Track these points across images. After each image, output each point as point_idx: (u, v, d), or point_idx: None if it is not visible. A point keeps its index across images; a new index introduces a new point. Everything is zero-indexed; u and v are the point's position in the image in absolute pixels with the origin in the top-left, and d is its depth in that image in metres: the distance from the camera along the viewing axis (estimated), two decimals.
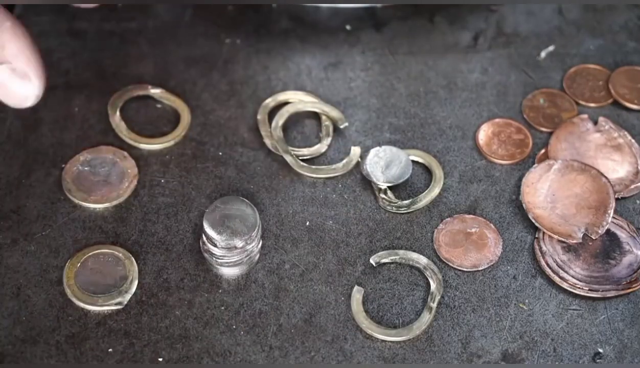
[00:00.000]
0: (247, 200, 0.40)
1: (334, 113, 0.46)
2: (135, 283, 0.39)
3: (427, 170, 0.44)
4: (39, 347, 0.37)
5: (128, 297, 0.39)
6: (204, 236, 0.39)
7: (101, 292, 0.39)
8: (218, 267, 0.40)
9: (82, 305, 0.38)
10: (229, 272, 0.40)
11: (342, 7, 0.51)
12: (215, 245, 0.39)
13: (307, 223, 0.42)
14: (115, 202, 0.42)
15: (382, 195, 0.43)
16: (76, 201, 0.42)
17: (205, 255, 0.40)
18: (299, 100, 0.47)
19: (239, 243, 0.39)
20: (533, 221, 0.41)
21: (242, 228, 0.39)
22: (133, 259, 0.40)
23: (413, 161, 0.44)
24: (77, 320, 0.38)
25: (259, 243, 0.40)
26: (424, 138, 0.46)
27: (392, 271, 0.40)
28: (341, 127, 0.45)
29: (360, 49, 0.50)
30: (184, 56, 0.49)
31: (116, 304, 0.38)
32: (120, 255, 0.40)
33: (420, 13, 0.52)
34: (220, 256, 0.39)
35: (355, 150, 0.44)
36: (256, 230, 0.39)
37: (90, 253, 0.40)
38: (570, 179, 0.43)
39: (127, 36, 0.50)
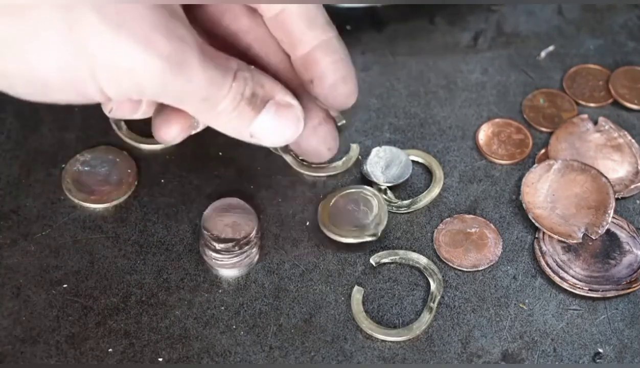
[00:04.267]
0: (245, 203, 0.40)
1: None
2: (386, 216, 0.41)
3: (427, 170, 0.44)
4: (39, 347, 0.37)
5: (381, 228, 0.40)
6: (202, 237, 0.39)
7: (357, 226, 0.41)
8: (217, 268, 0.40)
9: (338, 238, 0.40)
10: (228, 273, 0.40)
11: (342, 7, 0.51)
12: (214, 247, 0.39)
13: (307, 223, 0.42)
14: (115, 202, 0.42)
15: (383, 195, 0.43)
16: (76, 201, 0.42)
17: (205, 256, 0.40)
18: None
19: (237, 244, 0.39)
20: (533, 221, 0.41)
21: (240, 230, 0.39)
22: (380, 197, 0.42)
23: (413, 161, 0.44)
24: (77, 320, 0.38)
25: (258, 244, 0.40)
26: (424, 138, 0.46)
27: (392, 271, 0.40)
28: (339, 124, 0.45)
29: (360, 49, 0.50)
30: None
31: (371, 236, 0.40)
32: (369, 194, 0.42)
33: (421, 13, 0.52)
34: (220, 258, 0.39)
35: (355, 148, 0.44)
36: (255, 231, 0.39)
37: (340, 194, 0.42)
38: (570, 179, 0.43)
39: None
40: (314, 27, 0.36)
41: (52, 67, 0.29)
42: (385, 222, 0.41)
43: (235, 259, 0.39)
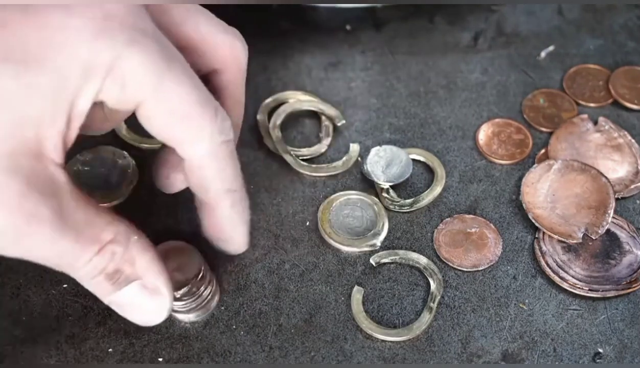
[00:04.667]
0: (180, 241, 0.38)
1: (331, 111, 0.46)
2: (387, 225, 0.41)
3: (427, 170, 0.44)
4: (39, 347, 0.37)
5: (381, 238, 0.41)
6: None
7: (355, 235, 0.41)
8: (184, 314, 0.38)
9: (338, 246, 0.41)
10: (188, 318, 0.38)
11: (342, 7, 0.51)
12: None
13: (307, 223, 0.42)
14: (115, 202, 0.42)
15: (385, 194, 0.43)
16: None
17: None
18: (296, 100, 0.47)
19: (194, 285, 0.37)
20: (533, 221, 0.41)
21: (190, 269, 0.37)
22: (380, 204, 0.42)
23: (414, 160, 0.44)
24: (77, 320, 0.38)
25: (213, 279, 0.38)
26: (424, 138, 0.46)
27: (392, 271, 0.40)
28: (338, 124, 0.45)
29: (360, 49, 0.50)
30: None
31: (371, 246, 0.40)
32: (369, 200, 0.42)
33: (420, 13, 0.52)
34: (182, 304, 0.37)
35: (355, 147, 0.44)
36: (203, 266, 0.37)
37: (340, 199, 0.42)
38: (570, 179, 0.43)
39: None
40: (222, 184, 0.35)
41: None
42: (385, 232, 0.41)
43: (199, 299, 0.37)
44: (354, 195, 0.42)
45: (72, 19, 0.28)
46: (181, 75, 0.31)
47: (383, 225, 0.41)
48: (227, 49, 0.35)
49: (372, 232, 0.41)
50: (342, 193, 0.43)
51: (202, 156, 0.33)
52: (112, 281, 0.32)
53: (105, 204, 0.42)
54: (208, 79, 0.36)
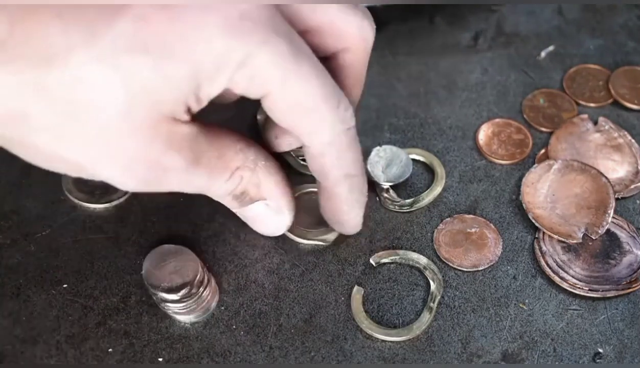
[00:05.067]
0: (176, 245, 0.38)
1: None
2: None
3: (427, 169, 0.44)
4: (39, 347, 0.37)
5: (334, 235, 0.41)
6: (155, 296, 0.37)
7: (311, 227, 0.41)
8: (185, 316, 0.38)
9: (293, 237, 0.41)
10: (188, 319, 0.38)
11: None
12: (171, 299, 0.37)
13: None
14: (115, 202, 0.42)
15: (385, 194, 0.43)
16: (76, 201, 0.42)
17: (168, 311, 0.38)
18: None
19: (192, 286, 0.37)
20: (533, 221, 0.41)
21: (187, 272, 0.37)
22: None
23: (414, 160, 0.44)
24: (77, 320, 0.38)
25: (211, 281, 0.38)
26: (424, 138, 0.46)
27: (392, 271, 0.40)
28: None
29: None
30: None
31: (323, 240, 0.40)
32: None
33: (420, 13, 0.52)
34: (182, 306, 0.37)
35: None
36: (200, 267, 0.37)
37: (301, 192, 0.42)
38: (570, 179, 0.43)
39: None
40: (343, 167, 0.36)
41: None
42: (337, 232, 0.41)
43: (199, 301, 0.37)
44: (313, 188, 0.42)
45: (209, 17, 0.30)
46: (308, 71, 0.32)
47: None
48: (356, 29, 0.36)
49: (327, 226, 0.41)
50: (308, 185, 0.43)
51: (323, 145, 0.35)
52: (239, 201, 0.36)
53: (105, 204, 0.42)
54: (332, 58, 0.37)
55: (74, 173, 0.32)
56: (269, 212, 0.37)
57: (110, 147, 0.30)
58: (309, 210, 0.42)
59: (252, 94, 0.32)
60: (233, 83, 0.31)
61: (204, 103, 0.32)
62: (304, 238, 0.41)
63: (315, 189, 0.42)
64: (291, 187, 0.38)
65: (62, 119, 0.29)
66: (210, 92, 0.31)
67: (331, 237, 0.41)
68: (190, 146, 0.32)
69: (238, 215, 0.38)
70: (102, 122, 0.29)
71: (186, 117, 0.32)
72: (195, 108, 0.32)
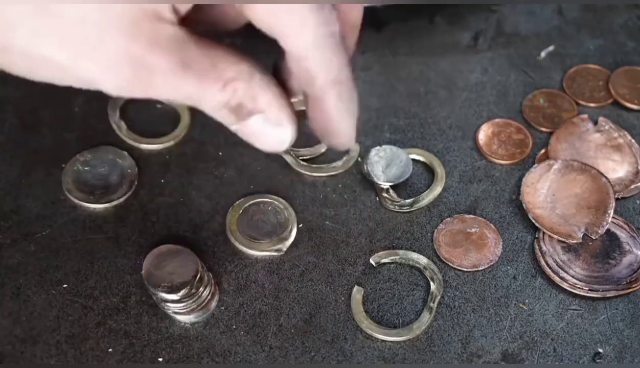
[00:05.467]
0: (174, 245, 0.38)
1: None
2: (294, 231, 0.41)
3: (427, 169, 0.44)
4: (39, 347, 0.37)
5: (287, 244, 0.40)
6: (155, 296, 0.37)
7: (262, 238, 0.41)
8: (185, 315, 0.38)
9: (244, 249, 0.40)
10: (188, 319, 0.38)
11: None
12: (171, 299, 0.37)
13: (308, 224, 0.42)
14: (115, 202, 0.42)
15: (385, 194, 0.43)
16: (76, 201, 0.42)
17: (168, 311, 0.38)
18: (297, 100, 0.46)
19: (192, 285, 0.37)
20: (533, 221, 0.41)
21: (186, 271, 0.37)
22: (291, 209, 0.42)
23: (414, 160, 0.44)
24: (77, 320, 0.38)
25: (211, 280, 0.38)
26: (424, 138, 0.46)
27: (392, 271, 0.40)
28: None
29: (360, 49, 0.50)
30: None
31: (276, 251, 0.40)
32: (280, 204, 0.42)
33: (420, 13, 0.52)
34: (183, 305, 0.37)
35: (355, 148, 0.44)
36: (200, 266, 0.37)
37: (250, 202, 0.42)
38: (570, 179, 0.43)
39: None
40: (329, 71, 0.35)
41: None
42: (292, 238, 0.41)
43: (199, 301, 0.37)
44: (267, 198, 0.42)
45: None
46: None
47: (291, 230, 0.41)
48: None
49: (279, 236, 0.41)
50: (257, 195, 0.43)
51: (307, 48, 0.34)
52: (236, 114, 0.35)
53: (105, 204, 0.42)
54: None
55: (58, 78, 0.31)
56: (268, 126, 0.36)
57: (88, 42, 0.30)
58: (258, 222, 0.41)
59: None
60: None
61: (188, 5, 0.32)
62: (256, 250, 0.40)
63: (265, 199, 0.42)
64: (290, 100, 0.36)
65: (36, 10, 0.29)
66: None
67: (283, 247, 0.40)
68: (178, 49, 0.31)
69: (238, 134, 0.36)
70: (78, 16, 0.29)
71: (172, 17, 0.31)
72: (182, 8, 0.31)
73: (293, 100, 0.39)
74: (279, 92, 0.36)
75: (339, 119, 0.37)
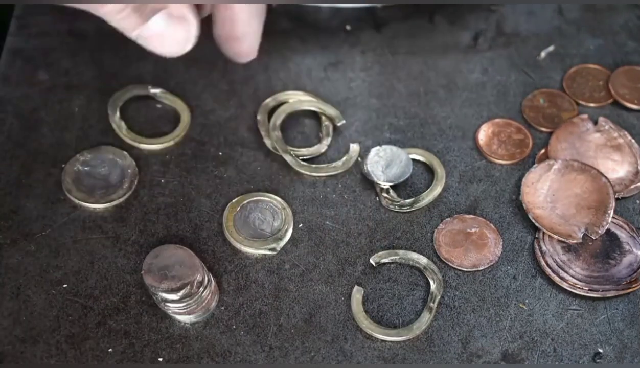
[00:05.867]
0: (175, 245, 0.38)
1: (331, 111, 0.46)
2: (290, 230, 0.41)
3: (427, 169, 0.44)
4: (39, 347, 0.37)
5: (282, 244, 0.40)
6: (156, 298, 0.37)
7: (257, 236, 0.41)
8: (174, 315, 0.38)
9: (238, 246, 0.40)
10: (188, 319, 0.38)
11: (342, 7, 0.51)
12: (171, 299, 0.36)
13: (307, 224, 0.42)
14: (115, 202, 0.42)
15: (385, 194, 0.43)
16: (76, 201, 0.42)
17: (169, 312, 0.38)
18: (296, 100, 0.47)
19: (193, 285, 0.36)
20: (533, 221, 0.41)
21: (188, 272, 0.36)
22: (289, 209, 0.42)
23: (414, 160, 0.44)
24: (77, 320, 0.38)
25: (212, 281, 0.38)
26: (424, 138, 0.46)
27: (392, 271, 0.40)
28: (338, 124, 0.45)
29: (360, 49, 0.50)
30: (184, 56, 0.49)
31: (270, 250, 0.40)
32: (278, 204, 0.42)
33: (420, 13, 0.52)
34: (184, 306, 0.37)
35: (355, 147, 0.44)
36: (201, 266, 0.37)
37: (248, 200, 0.42)
38: (570, 179, 0.43)
39: (127, 36, 0.50)
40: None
41: None
42: (287, 238, 0.41)
43: (199, 301, 0.37)
44: (265, 196, 0.42)
45: None
46: None
47: (287, 230, 0.41)
48: None
49: (274, 236, 0.41)
50: (255, 194, 0.42)
51: None
52: (139, 13, 0.33)
53: (105, 204, 0.42)
54: None
55: None
56: (172, 23, 0.35)
57: None
58: (254, 220, 0.41)
59: None
60: None
61: None
62: (251, 247, 0.40)
63: (262, 198, 0.42)
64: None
65: None
66: None
67: (277, 246, 0.40)
68: None
69: (139, 41, 0.35)
70: None
71: None
72: None
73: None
74: None
75: (247, 20, 0.36)
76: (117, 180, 0.43)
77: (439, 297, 0.39)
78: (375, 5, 0.51)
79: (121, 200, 0.42)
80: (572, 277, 0.40)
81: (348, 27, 0.51)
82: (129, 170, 0.43)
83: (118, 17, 0.33)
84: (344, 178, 0.44)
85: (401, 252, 0.41)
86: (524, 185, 0.43)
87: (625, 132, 0.45)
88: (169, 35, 0.35)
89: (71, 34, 0.49)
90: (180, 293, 0.36)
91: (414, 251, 0.41)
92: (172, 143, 0.45)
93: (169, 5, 0.34)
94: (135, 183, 0.43)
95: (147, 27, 0.34)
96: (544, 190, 0.42)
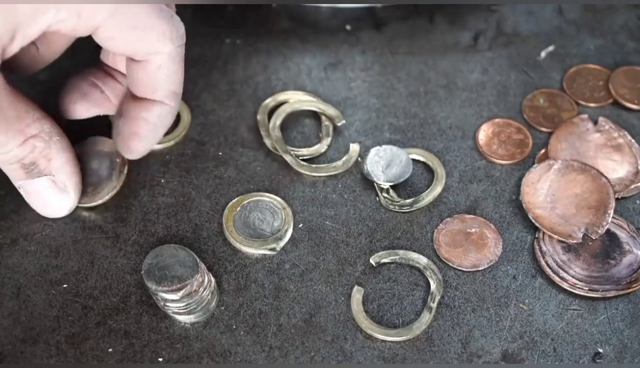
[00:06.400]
0: (174, 245, 0.38)
1: (331, 111, 0.46)
2: (290, 230, 0.41)
3: (428, 169, 0.44)
4: (39, 347, 0.37)
5: (282, 244, 0.40)
6: (156, 297, 0.37)
7: (257, 236, 0.41)
8: (174, 315, 0.38)
9: (238, 245, 0.40)
10: (188, 319, 0.38)
11: (342, 7, 0.51)
12: (172, 299, 0.36)
13: (307, 224, 0.42)
14: (107, 197, 0.41)
15: (385, 194, 0.43)
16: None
17: (169, 312, 0.38)
18: (297, 100, 0.47)
19: (192, 284, 0.36)
20: (533, 221, 0.41)
21: (187, 271, 0.36)
22: (289, 209, 0.42)
23: (414, 160, 0.44)
24: (77, 320, 0.38)
25: (211, 280, 0.38)
26: (424, 138, 0.46)
27: (392, 271, 0.40)
28: (338, 124, 0.45)
29: (360, 49, 0.50)
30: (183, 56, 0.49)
31: (270, 250, 0.40)
32: (278, 204, 0.42)
33: (420, 13, 0.52)
34: (184, 305, 0.37)
35: (355, 147, 0.44)
36: (199, 262, 0.37)
37: (248, 200, 0.42)
38: (570, 179, 0.43)
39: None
40: (163, 90, 0.38)
41: None
42: (287, 238, 0.41)
43: (199, 301, 0.37)
44: (265, 196, 0.42)
45: None
46: None
47: (287, 230, 0.41)
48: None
49: (274, 236, 0.41)
50: (255, 194, 0.42)
51: (163, 58, 0.36)
52: (26, 171, 0.36)
53: (98, 202, 0.41)
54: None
55: None
56: (53, 190, 0.37)
57: None
58: (254, 220, 0.41)
59: (82, 30, 0.33)
60: (59, 24, 0.31)
61: (18, 45, 0.32)
62: (251, 247, 0.40)
63: (262, 198, 0.42)
64: (79, 170, 0.38)
65: None
66: (29, 33, 0.31)
67: (277, 246, 0.40)
68: None
69: (20, 190, 0.37)
70: None
71: None
72: (9, 50, 0.32)
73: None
74: (73, 157, 0.37)
75: (157, 127, 0.38)
76: (108, 171, 0.42)
77: (439, 297, 0.39)
78: (375, 5, 0.51)
79: (114, 191, 0.42)
80: (572, 277, 0.40)
81: (348, 27, 0.51)
82: (118, 159, 0.42)
83: (8, 167, 0.36)
84: (344, 178, 0.44)
85: (401, 252, 0.41)
86: (524, 185, 0.43)
87: (625, 132, 0.45)
88: (46, 198, 0.38)
89: None
90: (180, 293, 0.36)
91: (414, 251, 0.41)
92: (172, 143, 0.45)
93: (57, 175, 0.37)
94: (126, 172, 0.42)
95: (30, 183, 0.37)
96: (544, 190, 0.42)
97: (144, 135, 0.38)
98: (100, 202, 0.42)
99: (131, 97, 0.38)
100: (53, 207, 0.38)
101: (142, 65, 0.36)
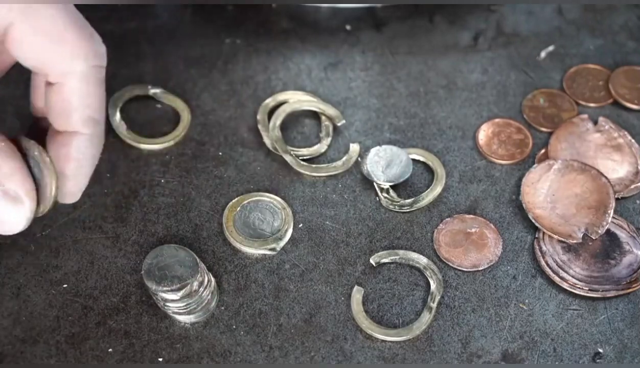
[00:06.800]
0: (174, 245, 0.37)
1: (331, 111, 0.46)
2: (290, 231, 0.41)
3: (428, 169, 0.44)
4: (39, 347, 0.37)
5: (282, 244, 0.40)
6: (157, 297, 0.37)
7: (257, 236, 0.41)
8: (174, 315, 0.38)
9: (238, 246, 0.40)
10: (188, 319, 0.38)
11: (342, 7, 0.51)
12: (172, 298, 0.36)
13: (307, 224, 0.42)
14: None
15: (385, 194, 0.43)
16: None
17: (170, 313, 0.38)
18: (297, 100, 0.47)
19: (192, 283, 0.36)
20: (533, 221, 0.41)
21: (188, 271, 0.36)
22: (289, 209, 0.42)
23: (414, 160, 0.44)
24: (77, 320, 0.38)
25: (211, 280, 0.38)
26: (424, 138, 0.46)
27: (392, 271, 0.40)
28: (339, 124, 0.45)
29: (360, 49, 0.50)
30: (184, 56, 0.49)
31: (270, 250, 0.40)
32: (278, 204, 0.42)
33: (420, 13, 0.52)
34: (184, 305, 0.37)
35: (355, 147, 0.44)
36: (199, 262, 0.37)
37: (248, 200, 0.42)
38: (570, 179, 0.43)
39: (127, 36, 0.50)
40: (82, 116, 0.34)
41: None
42: (287, 238, 0.41)
43: (199, 301, 0.37)
44: (265, 196, 0.42)
45: None
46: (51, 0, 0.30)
47: (287, 230, 0.41)
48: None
49: (274, 236, 0.41)
50: (255, 194, 0.42)
51: (74, 78, 0.32)
52: None
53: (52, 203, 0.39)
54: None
55: None
56: (5, 204, 0.32)
57: None
58: (254, 220, 0.41)
59: None
60: None
61: None
62: (251, 247, 0.40)
63: (262, 198, 0.42)
64: (31, 177, 0.33)
65: None
66: None
67: (277, 246, 0.40)
68: None
69: None
70: None
71: None
72: None
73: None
74: (22, 165, 0.33)
75: (81, 162, 0.34)
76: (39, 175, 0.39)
77: (439, 297, 0.39)
78: (375, 5, 0.51)
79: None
80: (572, 277, 0.40)
81: (348, 27, 0.51)
82: (47, 158, 0.39)
83: None
84: (344, 178, 0.44)
85: (401, 252, 0.41)
86: (524, 185, 0.43)
87: (625, 132, 0.45)
88: (0, 213, 0.33)
89: None
90: (180, 293, 0.36)
91: (414, 251, 0.41)
92: (172, 143, 0.45)
93: (6, 184, 0.32)
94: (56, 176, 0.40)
95: None
96: (544, 190, 0.42)
97: (71, 174, 0.34)
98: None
99: (55, 134, 0.35)
100: (9, 222, 0.33)
101: (56, 88, 0.33)
